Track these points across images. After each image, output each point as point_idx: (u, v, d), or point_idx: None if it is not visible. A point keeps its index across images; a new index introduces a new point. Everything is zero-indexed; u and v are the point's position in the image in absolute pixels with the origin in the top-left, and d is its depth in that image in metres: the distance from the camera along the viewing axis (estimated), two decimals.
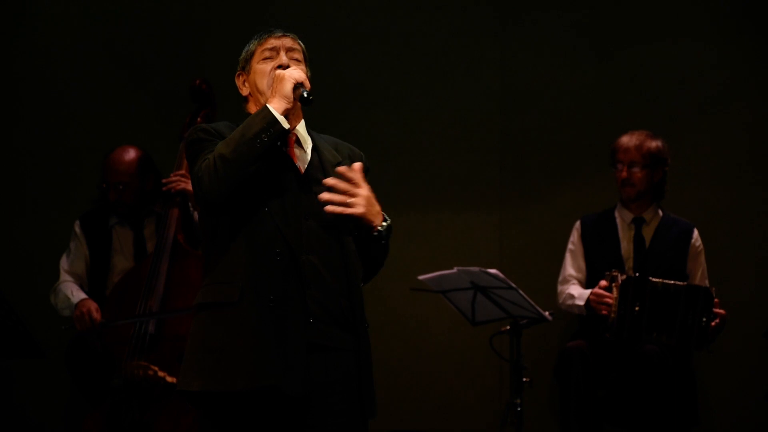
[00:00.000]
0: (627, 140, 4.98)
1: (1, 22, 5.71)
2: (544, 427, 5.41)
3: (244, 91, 3.16)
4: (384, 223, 2.99)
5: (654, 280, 4.71)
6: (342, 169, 2.98)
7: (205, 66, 5.48)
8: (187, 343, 3.03)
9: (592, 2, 5.69)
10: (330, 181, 2.95)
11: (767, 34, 5.54)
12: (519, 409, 4.59)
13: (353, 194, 2.95)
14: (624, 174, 4.96)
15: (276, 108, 2.97)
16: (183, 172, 4.81)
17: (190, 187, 4.75)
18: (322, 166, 3.09)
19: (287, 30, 3.17)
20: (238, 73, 3.18)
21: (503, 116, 5.70)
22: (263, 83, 3.10)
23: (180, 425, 4.44)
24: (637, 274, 4.76)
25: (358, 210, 2.95)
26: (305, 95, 3.00)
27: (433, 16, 5.74)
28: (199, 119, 4.90)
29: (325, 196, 2.94)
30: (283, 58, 3.09)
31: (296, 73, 3.02)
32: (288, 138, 3.06)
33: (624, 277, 4.72)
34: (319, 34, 5.49)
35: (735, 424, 5.46)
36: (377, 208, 2.99)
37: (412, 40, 5.74)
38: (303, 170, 3.08)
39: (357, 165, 3.01)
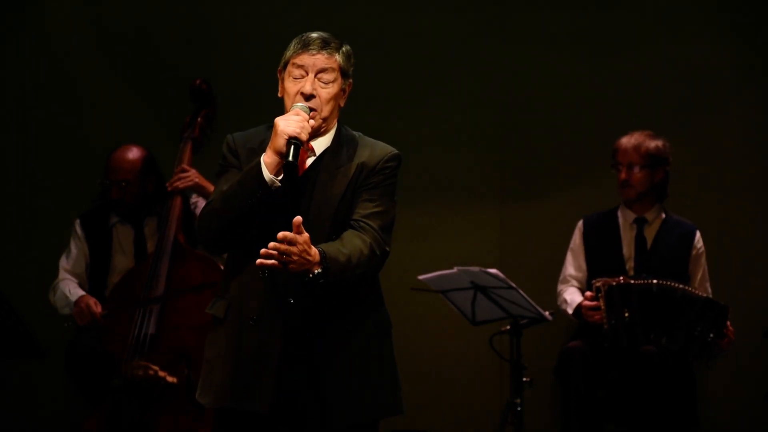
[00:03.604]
0: (626, 141, 4.94)
1: (3, 23, 5.71)
2: (544, 427, 5.41)
3: (280, 92, 3.11)
4: (316, 271, 2.88)
5: (636, 282, 4.69)
6: (280, 235, 2.87)
7: (205, 65, 5.48)
8: None
9: (593, 3, 5.69)
10: (271, 244, 2.86)
11: None
12: (519, 409, 4.60)
13: (288, 252, 2.84)
14: (623, 175, 4.92)
15: (268, 163, 2.94)
16: (184, 166, 4.82)
17: (192, 182, 4.78)
18: (317, 174, 3.05)
19: (323, 30, 3.14)
20: (279, 68, 3.12)
21: (503, 116, 5.70)
22: (287, 105, 3.07)
23: (180, 425, 4.45)
24: (621, 280, 4.71)
25: (291, 267, 2.87)
26: (290, 158, 2.91)
27: (433, 16, 5.74)
28: (199, 119, 4.90)
29: (263, 257, 2.87)
30: (308, 86, 3.03)
31: (291, 127, 2.93)
32: (300, 151, 2.99)
33: (606, 286, 4.69)
34: None
35: (735, 424, 5.45)
36: (311, 253, 2.87)
37: (412, 40, 5.73)
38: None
39: (297, 219, 2.87)
